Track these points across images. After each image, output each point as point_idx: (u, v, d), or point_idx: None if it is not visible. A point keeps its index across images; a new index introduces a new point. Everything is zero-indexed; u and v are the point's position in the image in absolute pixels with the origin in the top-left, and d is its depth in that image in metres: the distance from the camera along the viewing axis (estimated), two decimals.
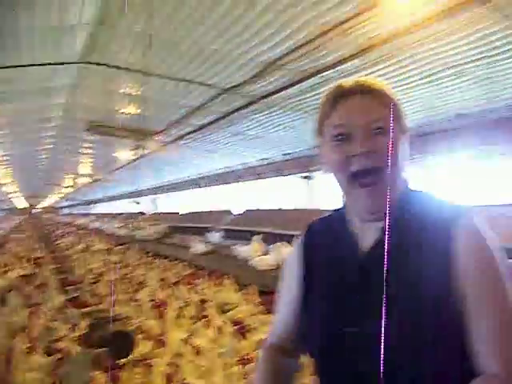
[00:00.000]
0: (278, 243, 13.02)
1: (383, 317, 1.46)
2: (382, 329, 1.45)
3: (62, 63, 11.83)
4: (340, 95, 1.61)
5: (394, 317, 1.46)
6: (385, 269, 1.49)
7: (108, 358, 5.77)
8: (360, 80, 1.64)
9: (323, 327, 1.64)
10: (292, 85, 11.06)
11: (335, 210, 1.81)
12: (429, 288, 1.45)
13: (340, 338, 1.58)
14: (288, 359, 1.84)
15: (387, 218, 1.54)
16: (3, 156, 25.33)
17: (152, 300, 9.86)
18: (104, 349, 5.73)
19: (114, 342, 5.48)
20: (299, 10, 7.76)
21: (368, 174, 1.52)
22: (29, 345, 7.23)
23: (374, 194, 1.55)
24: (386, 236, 1.53)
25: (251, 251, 13.52)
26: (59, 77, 13.13)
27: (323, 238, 1.78)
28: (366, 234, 1.63)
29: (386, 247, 1.51)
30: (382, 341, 1.44)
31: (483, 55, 8.62)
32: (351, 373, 1.55)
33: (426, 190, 1.68)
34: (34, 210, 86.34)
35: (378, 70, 9.81)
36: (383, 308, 1.46)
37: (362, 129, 1.53)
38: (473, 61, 8.90)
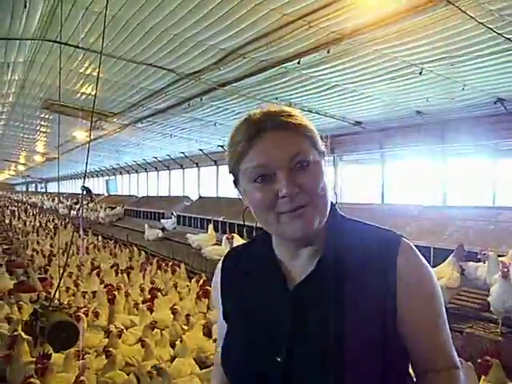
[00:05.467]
0: None
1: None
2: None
3: (17, 39, 11.52)
4: (254, 132, 1.49)
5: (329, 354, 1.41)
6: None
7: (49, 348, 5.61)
8: (269, 111, 1.52)
9: (238, 362, 1.58)
10: (252, 74, 10.98)
11: (257, 237, 1.74)
12: (369, 321, 1.43)
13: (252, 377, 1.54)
14: None
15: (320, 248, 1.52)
16: None
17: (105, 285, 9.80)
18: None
19: (55, 332, 5.30)
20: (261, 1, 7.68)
21: (295, 210, 1.44)
22: None
23: (302, 223, 1.46)
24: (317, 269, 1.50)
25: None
26: (14, 53, 12.80)
27: (246, 264, 1.71)
28: (296, 266, 1.57)
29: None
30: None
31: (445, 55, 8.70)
32: None
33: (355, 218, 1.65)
34: None
35: (340, 65, 9.80)
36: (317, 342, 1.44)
37: (285, 168, 1.44)
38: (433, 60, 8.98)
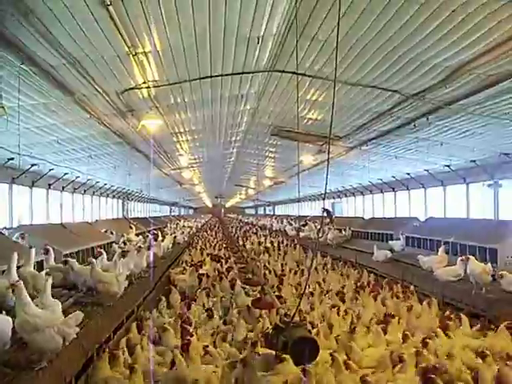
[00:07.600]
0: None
1: None
2: None
3: (251, 72, 12.34)
4: None
5: None
6: None
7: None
8: None
9: None
10: (480, 90, 10.55)
11: None
12: None
13: None
14: None
15: None
16: (195, 159, 26.93)
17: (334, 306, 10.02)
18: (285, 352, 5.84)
19: (298, 346, 5.55)
20: (490, 12, 7.49)
21: None
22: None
23: None
24: None
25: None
26: (247, 84, 13.73)
27: None
28: None
29: None
30: None
31: None
32: None
33: None
34: (220, 210, 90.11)
35: None
36: None
37: None
38: None
